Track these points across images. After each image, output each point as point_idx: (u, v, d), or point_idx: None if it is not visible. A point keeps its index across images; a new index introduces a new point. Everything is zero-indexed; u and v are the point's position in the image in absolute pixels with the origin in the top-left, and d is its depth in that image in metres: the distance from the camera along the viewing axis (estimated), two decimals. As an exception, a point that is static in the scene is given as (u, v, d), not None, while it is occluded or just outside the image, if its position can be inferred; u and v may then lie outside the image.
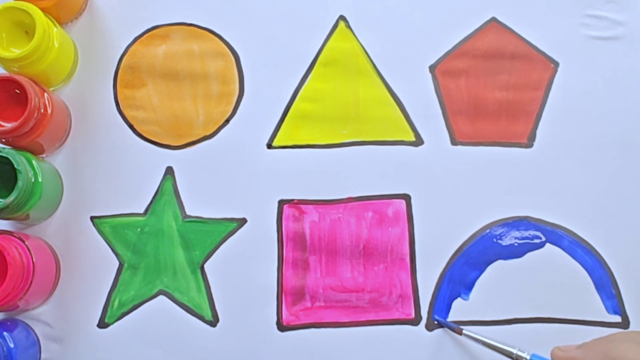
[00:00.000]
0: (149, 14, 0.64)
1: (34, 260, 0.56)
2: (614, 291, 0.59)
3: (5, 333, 0.56)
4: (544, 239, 0.60)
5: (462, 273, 0.60)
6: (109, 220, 0.61)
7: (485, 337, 0.54)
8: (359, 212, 0.61)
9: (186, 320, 0.60)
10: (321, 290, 0.60)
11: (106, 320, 0.60)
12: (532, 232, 0.60)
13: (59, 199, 0.61)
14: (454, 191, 0.61)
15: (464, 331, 0.56)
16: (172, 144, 0.62)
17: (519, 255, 0.60)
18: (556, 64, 0.63)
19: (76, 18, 0.64)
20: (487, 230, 0.60)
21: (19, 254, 0.54)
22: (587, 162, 0.61)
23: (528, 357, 0.51)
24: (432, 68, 0.63)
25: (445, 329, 0.58)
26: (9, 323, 0.58)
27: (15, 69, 0.58)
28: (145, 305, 0.60)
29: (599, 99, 0.62)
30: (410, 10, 0.64)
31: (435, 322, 0.59)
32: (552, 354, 0.49)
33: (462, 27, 0.63)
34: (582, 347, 0.48)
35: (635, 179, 0.61)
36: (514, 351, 0.52)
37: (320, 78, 0.63)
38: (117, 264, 0.61)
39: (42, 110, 0.57)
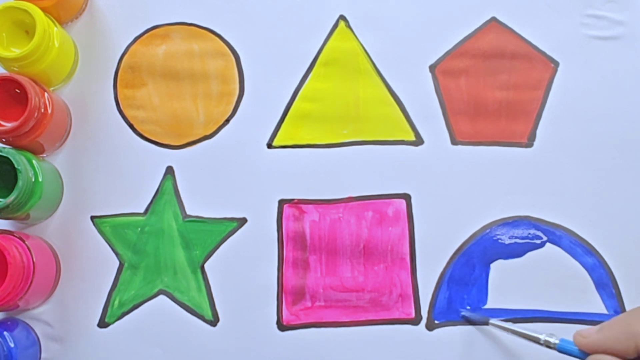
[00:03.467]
0: (149, 13, 0.64)
1: (34, 260, 0.56)
2: (614, 291, 0.59)
3: (5, 333, 0.56)
4: (544, 238, 0.60)
5: (462, 273, 0.60)
6: (109, 219, 0.61)
7: (512, 325, 0.54)
8: (359, 212, 0.61)
9: (186, 320, 0.60)
10: (321, 290, 0.60)
11: (106, 320, 0.60)
12: (533, 232, 0.60)
13: (59, 199, 0.61)
14: (454, 191, 0.61)
15: (490, 321, 0.56)
16: (172, 143, 0.62)
17: (519, 255, 0.60)
18: (556, 64, 0.63)
19: (76, 18, 0.64)
20: (488, 230, 0.60)
21: (19, 253, 0.54)
22: (587, 162, 0.61)
23: (557, 342, 0.50)
24: (432, 68, 0.63)
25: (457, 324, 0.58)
26: (9, 323, 0.58)
27: (15, 69, 0.58)
28: (146, 305, 0.60)
29: (599, 99, 0.62)
30: (410, 10, 0.64)
31: (462, 317, 0.59)
32: (575, 341, 0.48)
33: (462, 27, 0.63)
34: (602, 330, 0.47)
35: (636, 179, 0.61)
36: (542, 337, 0.51)
37: (320, 78, 0.63)
38: (117, 263, 0.61)
39: (42, 110, 0.57)
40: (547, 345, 0.51)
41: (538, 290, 0.59)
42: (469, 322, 0.59)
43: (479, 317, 0.58)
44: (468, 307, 0.59)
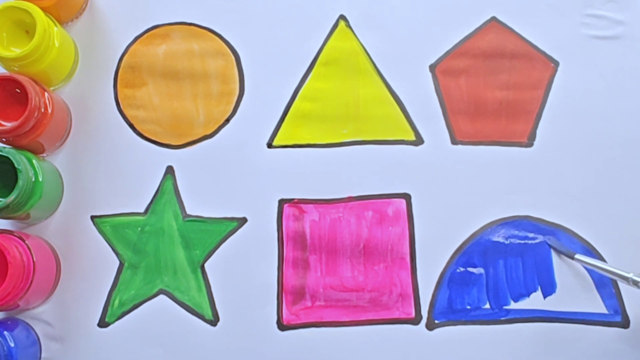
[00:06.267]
0: (149, 13, 0.64)
1: (34, 259, 0.56)
2: (614, 291, 0.59)
3: (5, 332, 0.56)
4: (544, 238, 0.60)
5: (462, 273, 0.60)
6: (109, 219, 0.61)
7: (599, 262, 0.55)
8: (359, 212, 0.61)
9: (186, 320, 0.60)
10: (321, 290, 0.60)
11: (106, 320, 0.60)
12: (532, 232, 0.60)
13: (60, 198, 0.61)
14: (454, 190, 0.61)
15: (576, 256, 0.56)
16: (172, 143, 0.62)
17: (520, 254, 0.60)
18: (556, 64, 0.63)
19: (76, 17, 0.64)
20: (488, 230, 0.60)
21: (20, 253, 0.54)
22: (587, 162, 0.61)
23: None
24: (432, 67, 0.63)
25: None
26: (9, 322, 0.58)
27: (15, 69, 0.58)
28: (146, 305, 0.60)
29: (599, 98, 0.62)
30: (411, 9, 0.64)
31: (549, 245, 0.59)
32: None
33: (462, 27, 0.63)
34: None
35: (636, 179, 0.61)
36: (630, 276, 0.52)
37: (320, 77, 0.63)
38: (117, 263, 0.61)
39: (42, 110, 0.57)
40: (636, 284, 0.51)
41: (538, 290, 0.59)
42: (553, 249, 0.59)
43: (565, 249, 0.58)
44: (466, 307, 0.59)
